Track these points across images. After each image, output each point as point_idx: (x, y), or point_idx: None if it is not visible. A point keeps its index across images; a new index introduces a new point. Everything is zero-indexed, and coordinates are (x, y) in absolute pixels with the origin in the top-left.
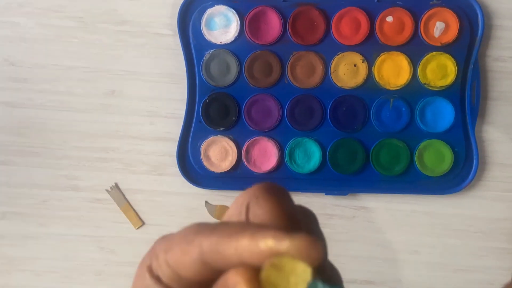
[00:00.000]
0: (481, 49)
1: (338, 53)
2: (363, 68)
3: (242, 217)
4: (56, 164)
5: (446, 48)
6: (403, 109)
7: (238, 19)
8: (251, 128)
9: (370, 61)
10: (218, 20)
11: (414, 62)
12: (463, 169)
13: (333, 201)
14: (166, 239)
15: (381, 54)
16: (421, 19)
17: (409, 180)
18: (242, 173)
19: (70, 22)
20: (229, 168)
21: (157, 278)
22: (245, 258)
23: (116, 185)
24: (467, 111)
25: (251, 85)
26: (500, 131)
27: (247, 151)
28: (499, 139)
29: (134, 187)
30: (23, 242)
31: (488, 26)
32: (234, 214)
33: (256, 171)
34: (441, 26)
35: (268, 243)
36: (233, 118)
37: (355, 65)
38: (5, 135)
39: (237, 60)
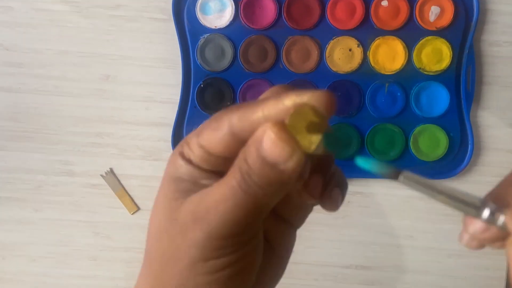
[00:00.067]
0: (476, 33)
1: (333, 37)
2: (358, 52)
3: None
4: (50, 149)
5: (441, 33)
6: (398, 94)
7: (233, 4)
8: None
9: (365, 45)
10: (213, 5)
11: (409, 46)
12: (458, 154)
13: None
14: (195, 129)
15: (376, 39)
16: (416, 3)
17: (404, 165)
18: None
19: (64, 7)
20: None
21: (188, 160)
22: (271, 117)
23: (111, 170)
24: (462, 96)
25: (246, 70)
26: (495, 116)
27: None
28: (494, 124)
29: (129, 172)
30: (18, 227)
31: (483, 11)
32: None
33: None
34: (436, 10)
35: (291, 98)
36: (228, 103)
37: (350, 50)
38: (0, 120)
39: (232, 44)
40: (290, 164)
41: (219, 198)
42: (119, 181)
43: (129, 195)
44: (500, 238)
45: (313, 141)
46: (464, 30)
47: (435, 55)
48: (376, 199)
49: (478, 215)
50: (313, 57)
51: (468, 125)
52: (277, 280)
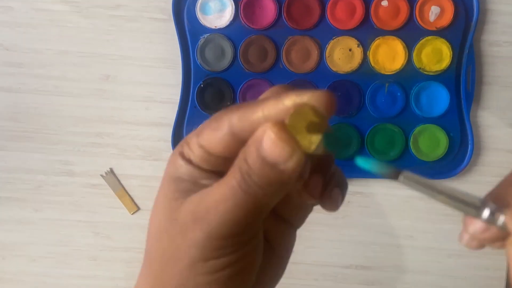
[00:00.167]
0: (476, 33)
1: (333, 37)
2: (358, 52)
3: None
4: (50, 149)
5: (441, 33)
6: (398, 94)
7: (233, 4)
8: None
9: (365, 45)
10: (213, 5)
11: (409, 46)
12: (458, 154)
13: None
14: (195, 129)
15: (376, 39)
16: (416, 3)
17: (404, 165)
18: None
19: (64, 7)
20: None
21: (188, 160)
22: (271, 117)
23: (111, 170)
24: (462, 96)
25: (246, 70)
26: (495, 116)
27: None
28: (494, 124)
29: (129, 172)
30: (18, 227)
31: (483, 11)
32: None
33: None
34: (436, 10)
35: (291, 98)
36: (228, 103)
37: (350, 50)
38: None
39: (232, 44)
40: (290, 164)
41: (219, 198)
42: (119, 181)
43: (129, 195)
44: (500, 238)
45: (313, 141)
46: (464, 30)
47: (435, 55)
48: (376, 199)
49: (478, 215)
50: (313, 57)
51: (468, 125)
52: (277, 280)
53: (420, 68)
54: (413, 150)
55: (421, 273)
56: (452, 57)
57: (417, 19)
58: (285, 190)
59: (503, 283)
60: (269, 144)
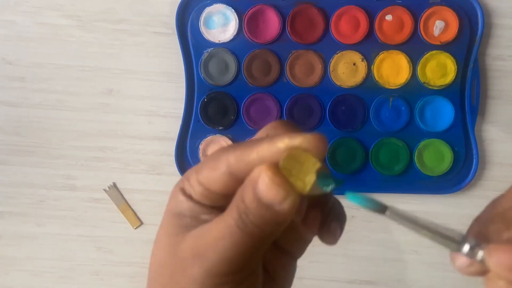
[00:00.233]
0: (481, 47)
1: (337, 52)
2: (362, 67)
3: None
4: (53, 164)
5: (445, 47)
6: (403, 108)
7: (237, 18)
8: (249, 127)
9: (369, 60)
10: (216, 19)
11: (414, 61)
12: (463, 169)
13: None
14: (195, 166)
15: (380, 53)
16: (421, 17)
17: (408, 180)
18: None
19: (67, 21)
20: None
21: (189, 196)
22: (266, 158)
23: (114, 185)
24: (466, 110)
25: (250, 84)
26: (500, 130)
27: None
28: (499, 138)
29: (132, 186)
30: (20, 242)
31: (487, 25)
32: None
33: None
34: (441, 25)
35: (284, 141)
36: (232, 117)
37: (354, 64)
38: (2, 135)
39: (236, 59)
40: (285, 205)
41: (217, 236)
42: (122, 195)
43: (132, 210)
44: (484, 272)
45: (307, 183)
46: (469, 45)
47: (440, 69)
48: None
49: (459, 250)
50: (317, 71)
51: (473, 139)
52: None
53: (424, 83)
54: (417, 165)
55: None
56: (457, 72)
57: (421, 34)
58: (282, 228)
59: None
60: (264, 187)
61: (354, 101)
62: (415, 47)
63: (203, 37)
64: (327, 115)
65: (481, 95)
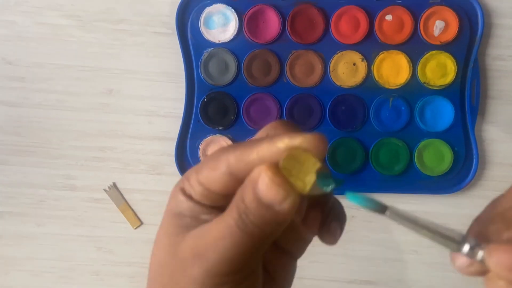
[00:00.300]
0: (481, 47)
1: (337, 52)
2: (362, 67)
3: None
4: (53, 164)
5: (445, 47)
6: (403, 108)
7: (237, 18)
8: (249, 127)
9: (369, 60)
10: (216, 19)
11: (414, 61)
12: (463, 169)
13: None
14: (195, 166)
15: (380, 53)
16: (421, 17)
17: (408, 180)
18: None
19: (67, 21)
20: None
21: (189, 196)
22: (266, 158)
23: (114, 185)
24: (466, 110)
25: (250, 84)
26: (500, 130)
27: None
28: (499, 138)
29: (132, 186)
30: (20, 242)
31: (488, 25)
32: None
33: None
34: (441, 25)
35: (284, 141)
36: (232, 117)
37: (354, 64)
38: (2, 134)
39: (236, 59)
40: (285, 205)
41: (217, 236)
42: (122, 195)
43: (132, 210)
44: (484, 272)
45: (307, 183)
46: (469, 45)
47: (440, 69)
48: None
49: (459, 250)
50: (317, 71)
51: (473, 139)
52: None
53: (424, 83)
54: (417, 165)
55: None
56: (457, 72)
57: (421, 34)
58: (282, 228)
59: None
60: (264, 187)
61: (354, 101)
62: (415, 47)
63: (203, 37)
64: (327, 115)
65: (481, 95)
